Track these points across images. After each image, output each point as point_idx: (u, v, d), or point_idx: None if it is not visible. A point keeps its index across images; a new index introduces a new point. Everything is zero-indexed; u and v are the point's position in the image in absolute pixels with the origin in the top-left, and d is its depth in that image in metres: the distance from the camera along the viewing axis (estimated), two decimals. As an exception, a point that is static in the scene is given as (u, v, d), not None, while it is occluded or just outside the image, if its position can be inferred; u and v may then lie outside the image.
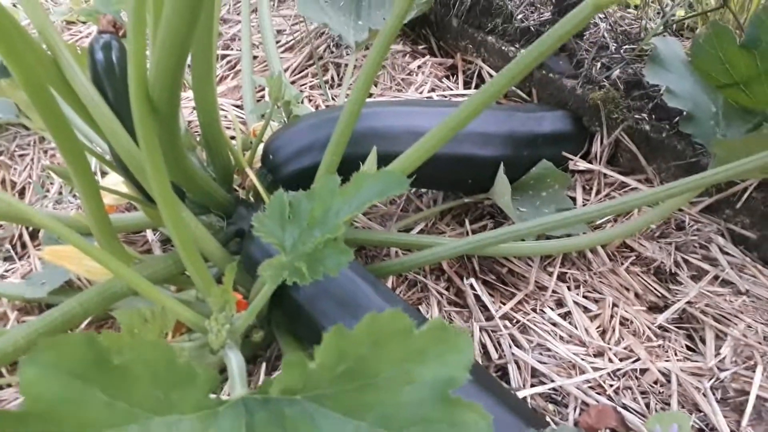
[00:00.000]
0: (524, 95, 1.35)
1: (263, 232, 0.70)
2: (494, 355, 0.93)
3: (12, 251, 1.15)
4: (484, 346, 0.94)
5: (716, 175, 0.73)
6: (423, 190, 1.23)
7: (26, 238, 1.18)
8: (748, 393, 0.85)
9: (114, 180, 1.12)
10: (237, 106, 1.47)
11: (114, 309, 0.89)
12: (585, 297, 1.00)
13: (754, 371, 0.87)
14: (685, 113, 0.96)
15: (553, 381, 0.88)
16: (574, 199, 1.14)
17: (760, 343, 0.91)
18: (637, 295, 1.01)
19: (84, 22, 1.90)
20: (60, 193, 1.25)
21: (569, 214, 0.85)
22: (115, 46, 0.83)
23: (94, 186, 0.78)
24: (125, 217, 1.09)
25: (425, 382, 0.46)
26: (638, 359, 0.91)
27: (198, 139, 1.09)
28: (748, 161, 0.71)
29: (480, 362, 0.93)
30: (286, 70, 1.52)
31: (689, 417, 0.81)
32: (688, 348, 0.93)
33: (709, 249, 1.03)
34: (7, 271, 1.11)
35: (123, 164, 0.87)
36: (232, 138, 1.28)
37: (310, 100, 1.45)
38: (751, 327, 0.93)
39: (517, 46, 1.35)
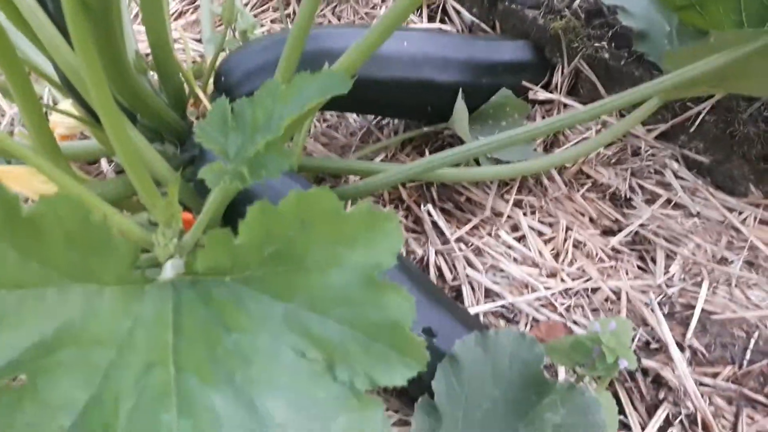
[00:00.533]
0: (488, 29, 1.34)
1: (205, 139, 0.68)
2: (449, 276, 0.93)
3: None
4: (439, 268, 0.95)
5: (660, 84, 0.73)
6: (384, 121, 1.22)
7: (-24, 169, 1.15)
8: (694, 307, 0.87)
9: (65, 106, 1.10)
10: (197, 40, 1.43)
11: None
12: (540, 222, 1.01)
13: (700, 287, 0.89)
14: (639, 31, 0.95)
15: (504, 298, 0.90)
16: (533, 129, 1.14)
17: (708, 261, 0.93)
18: (591, 219, 1.02)
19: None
20: (12, 125, 1.22)
21: (516, 130, 0.85)
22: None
23: (34, 99, 0.75)
24: (78, 145, 1.07)
25: (353, 266, 0.46)
26: (590, 279, 0.92)
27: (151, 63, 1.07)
28: (690, 69, 0.71)
29: (436, 283, 0.94)
30: (247, 4, 1.49)
31: (632, 324, 0.83)
32: (640, 268, 0.95)
33: (664, 174, 1.04)
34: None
35: (69, 83, 0.85)
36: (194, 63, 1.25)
37: (270, 33, 1.42)
38: (700, 246, 0.95)
39: (481, -22, 1.33)
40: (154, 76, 1.07)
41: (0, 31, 0.69)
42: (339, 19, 1.43)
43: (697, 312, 0.86)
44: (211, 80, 1.09)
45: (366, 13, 1.43)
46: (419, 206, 1.04)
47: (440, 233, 1.00)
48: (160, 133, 1.03)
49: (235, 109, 0.69)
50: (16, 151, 0.70)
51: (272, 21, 1.45)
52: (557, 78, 1.18)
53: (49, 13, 0.80)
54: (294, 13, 1.46)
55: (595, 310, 0.90)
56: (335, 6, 1.46)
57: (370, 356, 0.42)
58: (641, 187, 1.04)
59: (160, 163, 0.90)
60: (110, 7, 0.66)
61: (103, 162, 1.13)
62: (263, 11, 1.48)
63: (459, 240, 0.98)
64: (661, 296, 0.89)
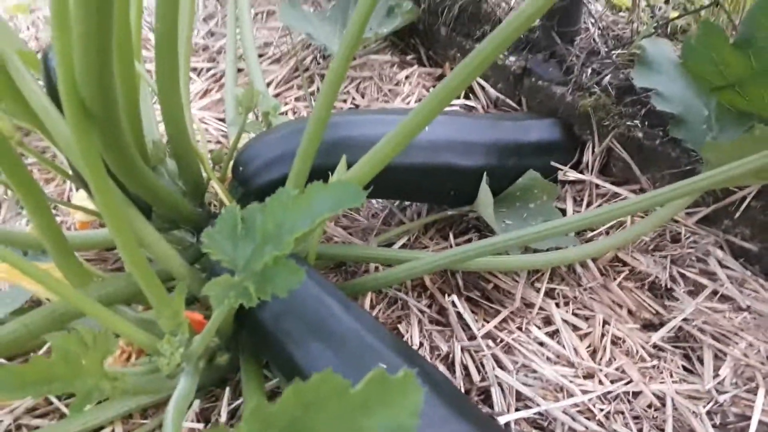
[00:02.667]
0: (514, 104, 1.30)
1: (213, 249, 0.65)
2: (476, 377, 0.87)
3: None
4: (465, 367, 0.88)
5: (705, 180, 0.68)
6: (406, 202, 1.18)
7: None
8: (749, 418, 0.78)
9: (83, 195, 1.09)
10: (221, 120, 1.43)
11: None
12: (574, 314, 0.94)
13: (755, 394, 0.80)
14: (675, 117, 0.90)
15: (538, 405, 0.82)
16: (564, 211, 1.08)
17: (762, 363, 0.84)
18: (630, 311, 0.94)
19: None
20: (22, 207, 1.21)
21: (551, 224, 0.80)
22: (71, 55, 0.79)
23: (40, 199, 0.73)
24: (97, 234, 1.05)
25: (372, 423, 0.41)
26: (631, 381, 0.85)
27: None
28: (738, 165, 0.65)
29: (462, 385, 0.87)
30: (271, 83, 1.49)
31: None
32: (685, 369, 0.87)
33: (707, 262, 0.97)
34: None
35: (82, 177, 0.83)
36: (212, 151, 1.24)
37: (294, 112, 1.41)
38: (752, 346, 0.86)
39: (506, 53, 1.31)
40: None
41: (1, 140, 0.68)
42: (363, 96, 1.42)
43: (753, 424, 0.78)
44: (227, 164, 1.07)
45: (389, 90, 1.42)
46: (444, 295, 0.99)
47: (466, 327, 0.94)
48: (174, 222, 1.01)
49: (245, 216, 0.66)
50: (11, 260, 0.68)
51: (296, 99, 1.44)
52: (587, 157, 1.13)
53: (62, 110, 0.80)
54: (318, 90, 1.46)
55: (636, 418, 0.82)
56: (359, 83, 1.46)
57: None
58: (683, 276, 0.96)
59: (174, 258, 0.87)
60: (115, 113, 0.64)
61: (121, 249, 1.11)
62: (287, 89, 1.48)
63: (487, 335, 0.92)
64: (711, 404, 0.81)
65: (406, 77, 1.44)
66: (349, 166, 0.88)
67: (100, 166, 0.62)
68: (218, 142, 1.36)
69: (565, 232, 0.81)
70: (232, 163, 1.06)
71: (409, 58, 1.52)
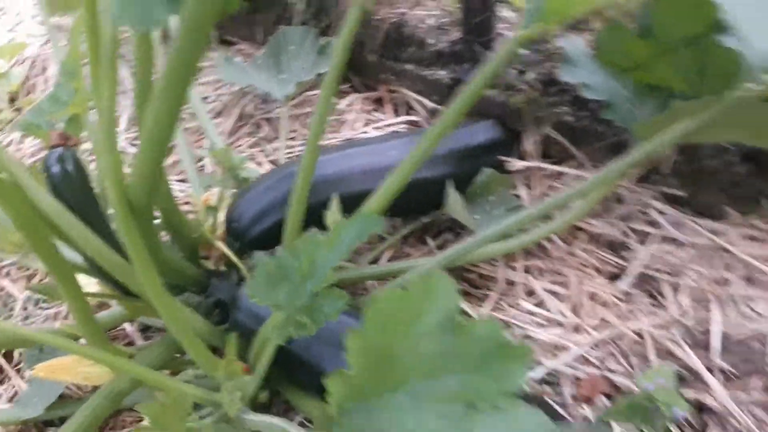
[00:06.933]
0: (450, 111, 1.44)
1: (258, 298, 0.74)
2: (486, 356, 0.99)
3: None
4: (474, 350, 1.01)
5: (643, 152, 0.83)
6: (381, 219, 1.29)
7: (1, 361, 1.17)
8: (710, 331, 0.95)
9: (82, 282, 1.13)
10: (180, 181, 1.49)
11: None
12: (552, 282, 1.09)
13: (709, 311, 0.97)
14: (603, 102, 1.06)
15: (543, 364, 0.96)
16: (518, 196, 1.23)
17: (710, 285, 1.01)
18: (596, 269, 1.10)
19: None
20: (25, 309, 1.25)
21: (523, 214, 0.94)
22: (68, 157, 0.86)
23: (80, 296, 0.80)
24: (104, 316, 1.10)
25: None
26: (612, 326, 1.00)
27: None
28: (667, 134, 0.81)
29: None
30: (219, 135, 1.56)
31: (669, 367, 0.90)
32: (652, 305, 1.03)
33: (649, 213, 1.14)
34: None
35: (97, 265, 0.90)
36: (189, 213, 1.30)
37: (251, 159, 1.50)
38: (700, 273, 1.03)
39: (434, 68, 1.45)
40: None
41: (52, 248, 0.74)
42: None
43: (716, 336, 0.94)
44: (218, 222, 1.15)
45: (335, 120, 1.52)
46: (437, 293, 1.11)
47: (466, 314, 1.06)
48: (181, 286, 1.08)
49: (277, 263, 0.76)
50: (71, 348, 0.75)
51: (249, 146, 1.53)
52: (528, 146, 1.28)
53: (71, 209, 0.86)
54: (267, 134, 1.55)
55: (625, 355, 0.97)
56: (304, 119, 1.56)
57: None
58: (632, 229, 1.13)
59: (197, 320, 0.96)
60: (152, 204, 0.72)
61: (126, 326, 1.17)
62: (237, 138, 1.56)
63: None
64: (680, 328, 0.97)
65: (348, 105, 1.56)
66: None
67: (146, 255, 0.70)
68: (186, 202, 1.43)
69: (535, 219, 0.96)
70: (219, 219, 1.14)
71: (344, 87, 1.63)
